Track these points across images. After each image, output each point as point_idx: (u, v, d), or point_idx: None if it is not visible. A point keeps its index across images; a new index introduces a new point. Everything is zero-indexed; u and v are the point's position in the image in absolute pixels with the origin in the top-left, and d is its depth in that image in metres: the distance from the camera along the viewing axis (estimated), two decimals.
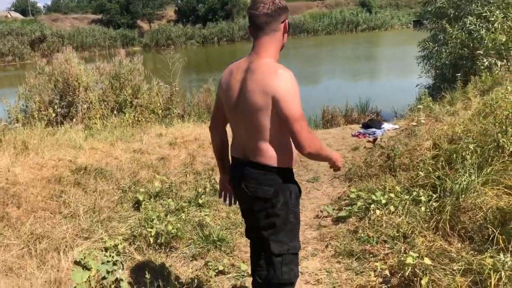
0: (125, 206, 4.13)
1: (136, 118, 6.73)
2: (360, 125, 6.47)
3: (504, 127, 3.71)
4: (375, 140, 5.23)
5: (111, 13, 55.38)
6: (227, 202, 2.43)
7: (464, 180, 3.27)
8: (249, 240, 2.52)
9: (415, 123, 5.34)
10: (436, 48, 8.88)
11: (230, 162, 2.30)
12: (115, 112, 6.83)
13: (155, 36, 52.10)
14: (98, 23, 55.32)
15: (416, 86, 10.11)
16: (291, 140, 1.97)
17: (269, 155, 2.02)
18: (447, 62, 8.83)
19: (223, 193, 2.44)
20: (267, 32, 2.01)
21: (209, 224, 3.69)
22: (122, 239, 3.37)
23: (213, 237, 3.48)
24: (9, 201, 3.85)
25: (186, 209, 3.92)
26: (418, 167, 4.07)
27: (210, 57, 40.87)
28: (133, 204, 4.12)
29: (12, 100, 7.34)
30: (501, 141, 3.54)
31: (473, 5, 8.59)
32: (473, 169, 3.43)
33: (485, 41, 7.60)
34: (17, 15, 67.49)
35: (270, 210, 2.07)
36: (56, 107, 7.14)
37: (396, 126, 5.89)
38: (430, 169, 3.81)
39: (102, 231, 3.60)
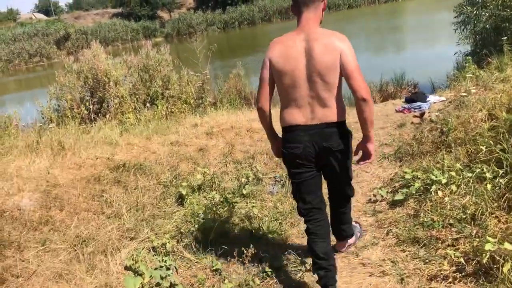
0: (168, 201, 4.00)
1: (169, 110, 6.60)
2: (403, 100, 6.12)
3: None
4: (422, 114, 4.92)
5: (131, 5, 55.40)
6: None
7: None
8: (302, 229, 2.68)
9: (465, 93, 5.00)
10: (474, 11, 8.34)
11: (285, 135, 2.57)
12: (147, 105, 6.70)
13: (176, 25, 51.85)
14: (119, 17, 55.46)
15: (454, 54, 9.61)
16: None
17: (338, 112, 2.43)
18: (487, 26, 8.30)
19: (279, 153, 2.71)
20: (312, 9, 2.43)
21: (257, 216, 3.52)
22: (169, 237, 3.25)
23: (263, 229, 3.31)
24: (52, 204, 3.77)
25: (230, 200, 3.75)
26: (476, 140, 3.78)
27: (232, 42, 40.54)
28: (176, 199, 3.99)
29: (44, 101, 7.33)
30: None
31: None
32: None
33: None
34: (41, 16, 68.55)
35: (344, 157, 2.52)
36: (88, 104, 7.08)
37: (443, 98, 5.53)
38: (491, 142, 3.50)
39: (148, 230, 3.48)
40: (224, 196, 3.80)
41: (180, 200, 3.93)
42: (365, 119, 2.41)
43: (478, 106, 4.57)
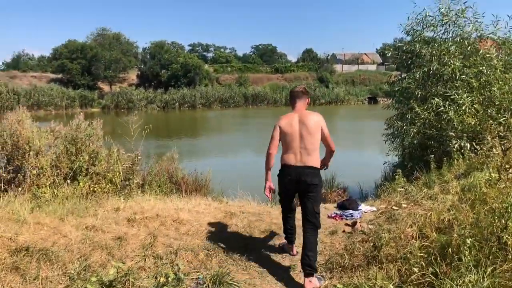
0: None
1: (92, 188, 6.10)
2: (335, 205, 6.11)
3: (503, 221, 3.41)
4: (354, 223, 4.86)
5: (72, 73, 54.60)
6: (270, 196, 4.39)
7: (469, 282, 2.90)
8: None
9: (396, 207, 5.04)
10: (404, 127, 8.87)
11: (282, 168, 4.23)
12: (68, 180, 6.17)
13: (115, 98, 51.40)
14: (57, 82, 54.28)
15: (384, 163, 10.03)
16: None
17: (316, 161, 4.13)
18: (415, 141, 8.80)
19: (270, 192, 4.35)
20: (302, 100, 4.35)
21: None
22: None
23: None
24: None
25: None
26: (407, 259, 3.70)
27: (171, 123, 40.58)
28: None
29: None
30: (504, 237, 3.22)
31: (438, 87, 8.74)
32: (473, 267, 3.08)
33: (454, 123, 7.63)
34: None
35: (314, 190, 4.09)
36: (1, 171, 6.43)
37: (374, 208, 5.56)
38: (423, 263, 3.43)
39: None
40: None
41: None
42: (329, 157, 4.47)
43: (409, 221, 4.59)
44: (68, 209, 5.08)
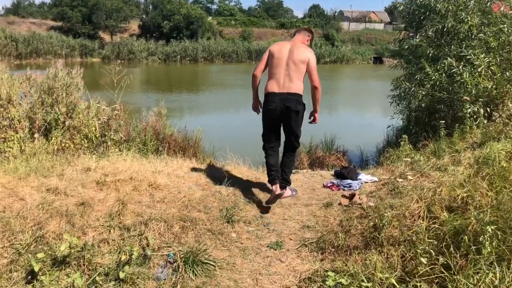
0: (15, 276, 2.95)
1: (64, 144, 5.51)
2: (332, 173, 5.52)
3: None
4: (352, 196, 4.29)
5: (72, 21, 52.98)
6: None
7: (491, 282, 2.35)
8: None
9: (401, 179, 4.46)
10: (412, 88, 8.16)
11: (265, 97, 4.43)
12: (38, 134, 5.56)
13: (116, 49, 50.20)
14: (57, 30, 52.81)
15: (387, 127, 9.40)
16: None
17: (299, 89, 4.29)
18: (423, 104, 8.13)
19: (257, 109, 4.61)
20: (301, 35, 4.61)
21: None
22: None
23: None
24: None
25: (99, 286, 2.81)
26: (411, 243, 3.16)
27: (172, 76, 39.62)
28: (27, 273, 2.96)
29: None
30: None
31: (452, 46, 7.99)
32: (495, 261, 2.53)
33: (468, 86, 6.94)
34: None
35: (297, 116, 4.34)
36: None
37: (375, 179, 4.96)
38: (432, 252, 2.87)
39: None
40: (92, 279, 2.85)
41: (30, 277, 2.91)
42: (315, 99, 4.41)
43: (414, 196, 4.03)
44: (32, 167, 4.52)
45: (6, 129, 5.54)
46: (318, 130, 10.36)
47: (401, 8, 9.47)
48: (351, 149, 9.93)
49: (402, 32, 11.25)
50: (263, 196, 4.59)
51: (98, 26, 54.83)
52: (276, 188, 4.35)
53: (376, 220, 3.56)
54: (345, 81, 37.37)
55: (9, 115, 5.93)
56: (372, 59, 57.76)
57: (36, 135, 5.48)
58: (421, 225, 3.37)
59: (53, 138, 5.53)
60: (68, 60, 46.15)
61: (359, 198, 4.23)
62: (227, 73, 40.22)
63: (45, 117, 6.14)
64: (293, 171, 6.74)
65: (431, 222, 3.45)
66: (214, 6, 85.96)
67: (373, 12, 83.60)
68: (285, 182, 4.51)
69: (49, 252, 3.10)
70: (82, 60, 48.87)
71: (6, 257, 3.10)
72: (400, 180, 4.47)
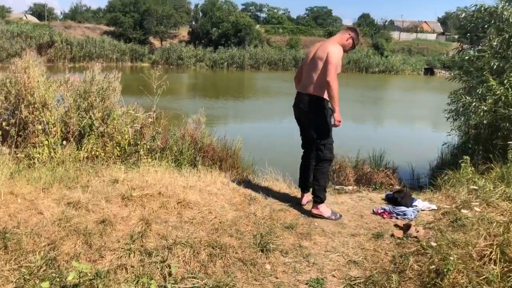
0: None
1: (95, 152, 5.22)
2: (383, 197, 4.93)
3: None
4: (408, 227, 3.72)
5: (124, 26, 54.62)
6: None
7: None
8: None
9: (466, 211, 3.85)
10: (474, 103, 7.42)
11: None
12: (69, 140, 5.30)
13: (165, 54, 51.24)
14: (109, 35, 54.48)
15: (443, 144, 8.65)
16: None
17: (316, 89, 4.06)
18: (484, 121, 7.37)
19: None
20: (339, 34, 4.26)
21: None
22: None
23: None
24: None
25: None
26: None
27: (218, 82, 39.72)
28: None
29: None
30: None
31: None
32: None
33: None
34: (32, 18, 67.12)
35: (311, 118, 4.16)
36: (3, 124, 5.71)
37: (434, 207, 4.34)
38: None
39: None
40: None
41: None
42: (329, 97, 3.97)
43: (481, 230, 3.44)
44: (56, 177, 4.24)
45: (38, 134, 5.31)
46: (366, 143, 9.77)
47: (463, 16, 8.71)
48: (401, 166, 9.22)
49: (461, 43, 10.46)
50: (303, 222, 4.08)
51: (148, 32, 56.18)
52: (302, 198, 4.45)
53: (437, 261, 2.98)
54: (394, 92, 36.14)
55: (44, 119, 5.74)
56: (423, 70, 55.83)
57: (69, 141, 5.22)
58: (494, 271, 2.80)
59: (85, 145, 5.25)
60: (118, 64, 47.43)
61: (416, 230, 3.65)
62: (274, 80, 39.88)
63: (79, 122, 5.92)
64: (337, 187, 6.21)
65: (505, 267, 2.87)
66: (263, 15, 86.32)
67: (425, 22, 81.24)
68: (315, 197, 4.20)
69: (58, 279, 2.74)
70: (132, 65, 50.18)
71: (12, 282, 2.77)
72: (465, 211, 3.86)
